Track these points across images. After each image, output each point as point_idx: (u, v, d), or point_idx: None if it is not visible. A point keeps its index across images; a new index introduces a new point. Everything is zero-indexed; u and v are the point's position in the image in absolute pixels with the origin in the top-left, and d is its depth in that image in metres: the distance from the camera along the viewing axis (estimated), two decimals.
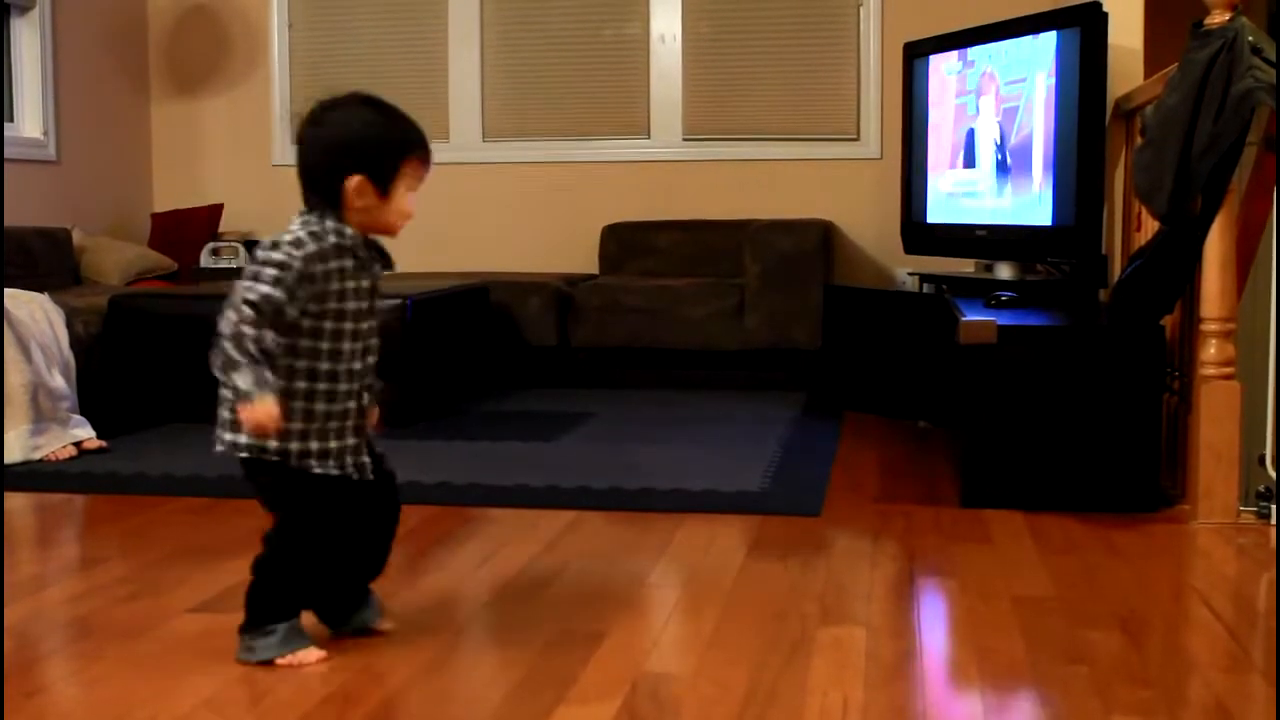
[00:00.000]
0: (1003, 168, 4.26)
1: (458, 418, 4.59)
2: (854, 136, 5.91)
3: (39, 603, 2.49)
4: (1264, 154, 3.21)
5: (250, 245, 6.10)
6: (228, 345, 2.00)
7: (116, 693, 2.01)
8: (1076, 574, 2.65)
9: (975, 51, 4.42)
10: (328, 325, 2.09)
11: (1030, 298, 3.87)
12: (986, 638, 2.24)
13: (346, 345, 2.11)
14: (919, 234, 4.84)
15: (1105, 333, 3.26)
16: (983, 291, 3.94)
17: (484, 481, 3.50)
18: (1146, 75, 3.89)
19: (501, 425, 4.43)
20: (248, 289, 2.02)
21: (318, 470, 2.09)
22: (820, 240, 5.28)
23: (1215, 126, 2.96)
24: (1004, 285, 4.09)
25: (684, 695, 1.98)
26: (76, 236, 5.56)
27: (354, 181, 2.13)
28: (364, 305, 2.14)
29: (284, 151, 6.43)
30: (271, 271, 2.04)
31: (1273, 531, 2.98)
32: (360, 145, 2.14)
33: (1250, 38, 2.93)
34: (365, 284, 2.15)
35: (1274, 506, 3.04)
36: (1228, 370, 3.09)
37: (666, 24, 6.04)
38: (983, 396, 3.25)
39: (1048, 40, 3.99)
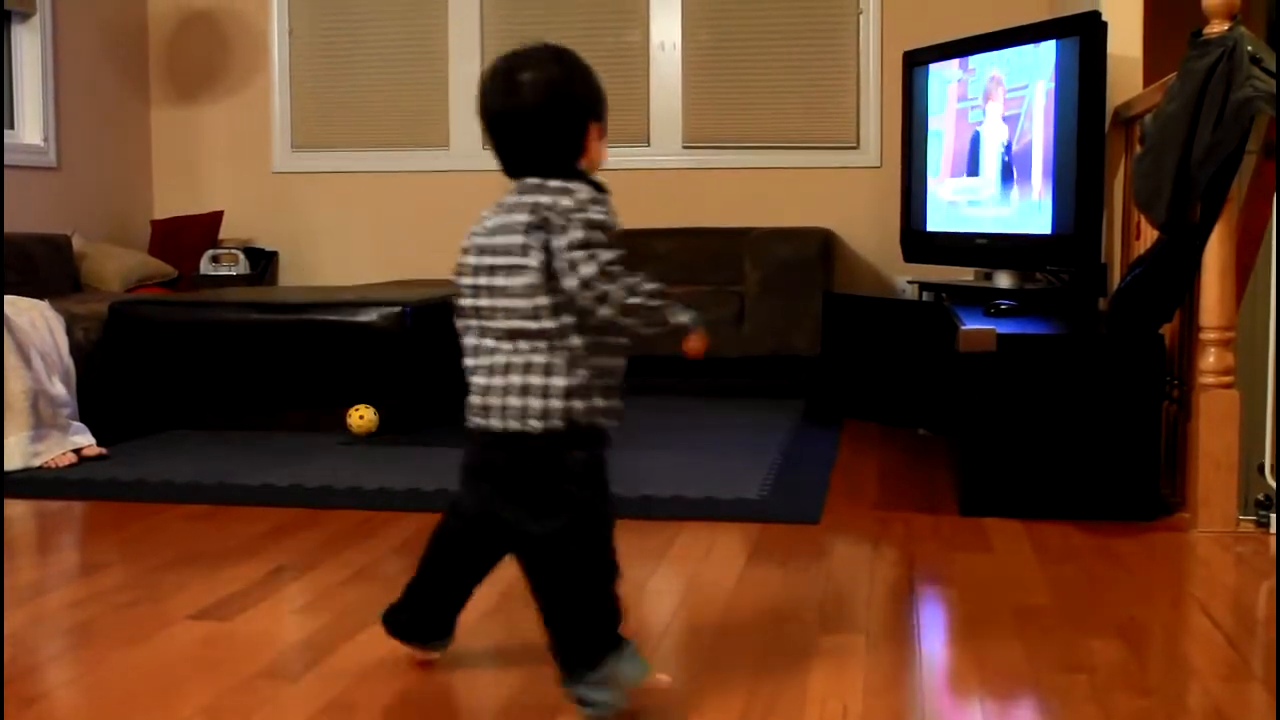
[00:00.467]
0: (1007, 173, 4.26)
1: (457, 425, 4.55)
2: (854, 145, 5.92)
3: (39, 609, 2.49)
4: (1263, 162, 3.22)
5: (249, 252, 6.11)
6: (643, 300, 1.88)
7: (116, 699, 2.01)
8: (1076, 582, 2.65)
9: (976, 60, 4.42)
10: None
11: (1030, 306, 3.87)
12: (986, 646, 2.24)
13: None
14: (918, 242, 4.84)
15: (1105, 341, 3.26)
16: (982, 300, 3.95)
17: None
18: (1146, 84, 3.90)
19: None
20: (602, 259, 1.86)
21: (604, 425, 1.94)
22: (820, 248, 5.29)
23: (1214, 135, 2.96)
24: (1003, 294, 4.09)
25: (683, 703, 1.98)
26: (77, 243, 5.56)
27: (595, 129, 2.05)
28: None
29: (284, 158, 6.43)
30: (601, 236, 1.89)
31: (1271, 540, 2.98)
32: (593, 91, 2.05)
33: (1249, 47, 2.94)
34: None
35: (1273, 515, 3.04)
36: (1227, 379, 3.10)
37: (667, 32, 6.05)
38: (982, 404, 3.25)
39: (1047, 49, 4.00)
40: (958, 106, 4.57)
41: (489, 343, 1.94)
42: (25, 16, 5.62)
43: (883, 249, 5.71)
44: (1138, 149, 3.41)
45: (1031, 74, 4.09)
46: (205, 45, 6.45)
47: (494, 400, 1.93)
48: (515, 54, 2.02)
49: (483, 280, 1.94)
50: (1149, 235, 3.40)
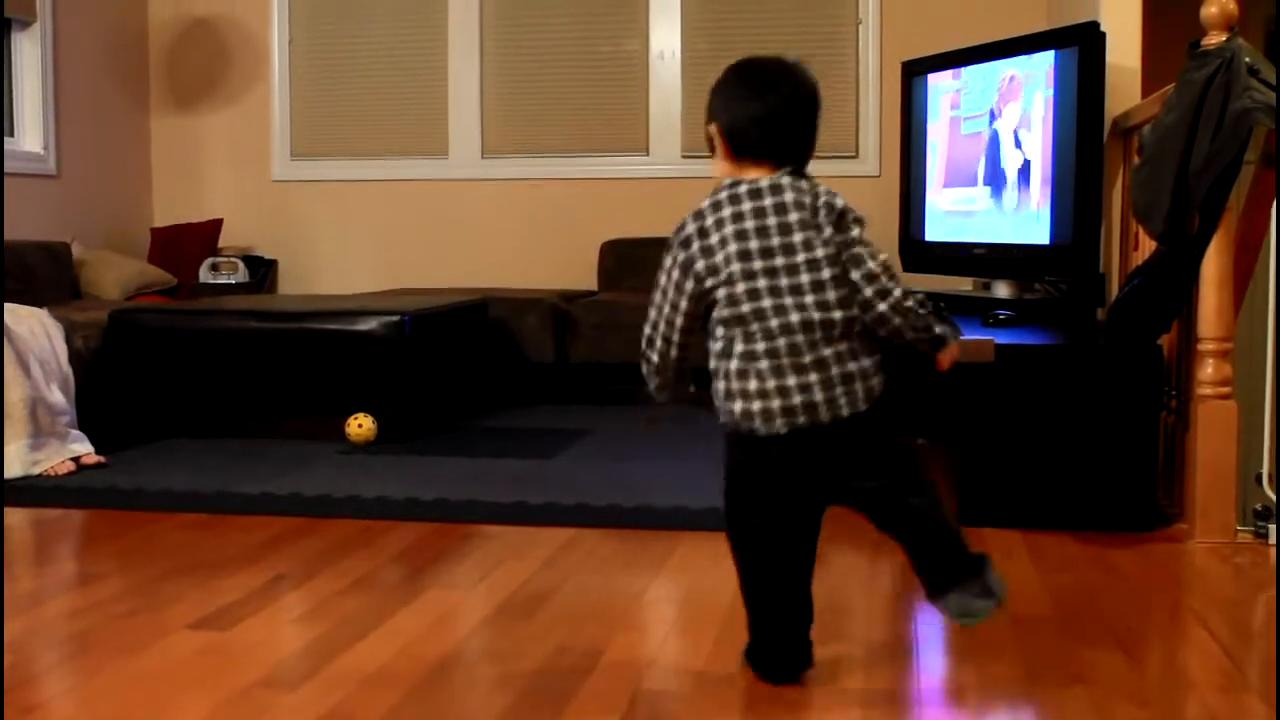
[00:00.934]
0: (1024, 176, 4.24)
1: (456, 434, 4.59)
2: (853, 154, 5.93)
3: (37, 618, 2.49)
4: (1261, 173, 3.22)
5: (249, 261, 6.12)
6: (914, 304, 2.07)
7: (114, 709, 2.00)
8: (1074, 593, 2.65)
9: (982, 68, 4.43)
10: None
11: (1028, 316, 3.88)
12: (984, 657, 2.24)
13: None
14: (917, 251, 4.85)
15: (1103, 352, 3.26)
16: (981, 310, 3.95)
17: (482, 498, 3.50)
18: (1144, 94, 3.91)
19: (500, 442, 4.43)
20: (882, 262, 2.05)
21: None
22: None
23: (1212, 146, 2.97)
24: (1002, 303, 4.10)
25: (682, 713, 1.98)
26: (76, 251, 5.57)
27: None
28: None
29: (283, 166, 6.44)
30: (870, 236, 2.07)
31: (1270, 550, 2.98)
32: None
33: (1247, 58, 2.94)
34: None
35: (1271, 526, 3.04)
36: (1225, 390, 3.10)
37: (666, 41, 6.06)
38: (980, 414, 3.25)
39: (1046, 59, 4.00)
40: (952, 116, 4.58)
41: (785, 342, 2.00)
42: (25, 24, 5.63)
43: None
44: (1136, 159, 3.42)
45: (1030, 84, 4.09)
46: (205, 53, 6.46)
47: (816, 397, 2.00)
48: (765, 57, 2.21)
49: (786, 280, 2.01)
50: (1147, 246, 3.41)
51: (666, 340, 2.09)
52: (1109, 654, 2.26)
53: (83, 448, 3.96)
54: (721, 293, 2.02)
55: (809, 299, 2.00)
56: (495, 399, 5.35)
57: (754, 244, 2.01)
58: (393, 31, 6.30)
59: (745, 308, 2.00)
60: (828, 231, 2.01)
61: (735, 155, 2.10)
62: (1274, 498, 3.09)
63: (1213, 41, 3.03)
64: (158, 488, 3.64)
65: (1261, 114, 2.90)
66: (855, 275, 2.01)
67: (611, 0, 6.10)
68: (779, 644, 2.10)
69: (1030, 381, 3.22)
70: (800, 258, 2.00)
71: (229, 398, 4.51)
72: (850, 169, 5.91)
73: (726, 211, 2.04)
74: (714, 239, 2.03)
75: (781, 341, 2.00)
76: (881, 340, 2.09)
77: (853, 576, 2.78)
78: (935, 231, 4.73)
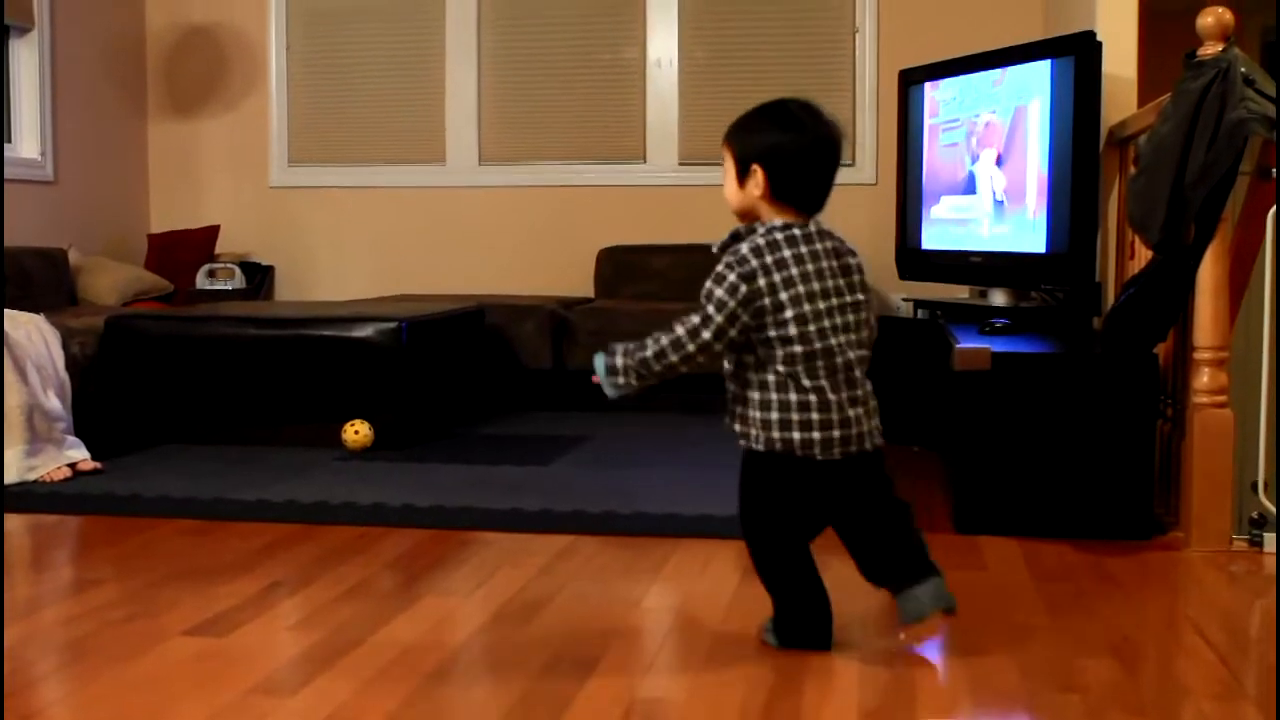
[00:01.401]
0: (1002, 204, 4.27)
1: (452, 440, 4.59)
2: (849, 162, 5.93)
3: (34, 624, 2.49)
4: (1256, 183, 3.24)
5: (246, 267, 6.12)
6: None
7: (111, 715, 2.00)
8: (1070, 601, 2.65)
9: (975, 78, 4.44)
10: None
11: (1024, 324, 3.88)
12: (980, 664, 2.24)
13: None
14: (914, 260, 4.86)
15: (1099, 360, 3.27)
16: (977, 318, 3.96)
17: (479, 505, 3.50)
18: (1140, 104, 3.92)
19: (496, 448, 4.43)
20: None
21: None
22: None
23: (1208, 155, 2.98)
24: (998, 312, 4.11)
25: None
26: (73, 257, 5.57)
27: None
28: None
29: (281, 173, 6.45)
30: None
31: (1267, 559, 2.98)
32: None
33: (1243, 69, 2.95)
34: None
35: (1267, 534, 3.05)
36: (1220, 398, 3.11)
37: (663, 49, 6.07)
38: (977, 422, 3.26)
39: (1042, 69, 4.01)
40: (942, 125, 4.59)
41: (844, 377, 2.22)
42: (24, 31, 5.63)
43: (878, 267, 5.69)
44: (1132, 169, 3.43)
45: (1027, 93, 4.11)
46: (203, 60, 6.47)
47: (864, 427, 2.25)
48: (817, 108, 2.31)
49: (839, 319, 2.22)
50: (1143, 255, 3.42)
51: (689, 359, 2.34)
52: (1105, 662, 2.26)
53: (79, 454, 3.96)
54: (793, 330, 2.18)
55: (854, 337, 2.23)
56: (492, 406, 5.35)
57: (816, 285, 2.20)
58: (390, 38, 6.31)
59: (817, 345, 2.19)
60: (856, 277, 2.27)
61: (774, 197, 2.24)
62: (1270, 506, 3.10)
63: (1209, 51, 3.04)
64: (154, 494, 3.64)
65: (1257, 124, 2.91)
66: (870, 318, 2.29)
67: (609, 8, 6.12)
68: (815, 611, 2.31)
69: (1027, 390, 3.23)
70: (848, 299, 2.24)
71: (226, 404, 4.50)
72: (847, 177, 5.83)
73: (787, 253, 2.20)
74: (778, 277, 2.19)
75: (842, 376, 2.21)
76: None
77: (849, 584, 2.77)
78: (932, 240, 4.74)
